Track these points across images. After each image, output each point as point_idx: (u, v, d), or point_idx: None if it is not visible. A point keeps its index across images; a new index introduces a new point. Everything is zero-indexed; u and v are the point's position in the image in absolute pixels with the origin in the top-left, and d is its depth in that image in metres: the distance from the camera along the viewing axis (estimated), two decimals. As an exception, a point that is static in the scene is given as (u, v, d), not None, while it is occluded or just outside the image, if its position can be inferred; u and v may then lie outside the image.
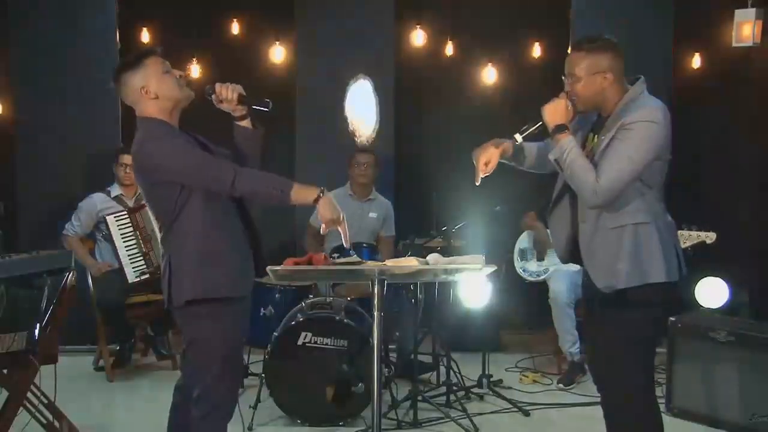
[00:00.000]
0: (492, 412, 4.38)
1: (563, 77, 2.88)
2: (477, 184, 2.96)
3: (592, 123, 2.97)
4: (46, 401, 3.67)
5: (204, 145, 2.90)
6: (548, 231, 4.82)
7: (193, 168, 2.76)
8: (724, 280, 4.60)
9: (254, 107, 2.95)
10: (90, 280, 4.96)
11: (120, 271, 4.89)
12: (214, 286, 2.79)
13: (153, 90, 2.80)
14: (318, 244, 5.05)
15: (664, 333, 4.21)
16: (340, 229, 2.81)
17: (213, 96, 2.91)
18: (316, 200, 2.76)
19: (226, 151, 2.96)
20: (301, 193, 2.77)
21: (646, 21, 5.51)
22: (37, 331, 3.52)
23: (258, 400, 4.17)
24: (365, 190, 5.19)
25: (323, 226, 2.83)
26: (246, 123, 2.99)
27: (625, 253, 2.78)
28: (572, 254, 2.96)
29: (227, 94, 2.89)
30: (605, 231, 2.82)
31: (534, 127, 2.90)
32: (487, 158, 2.93)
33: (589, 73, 2.80)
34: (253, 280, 2.96)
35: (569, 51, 2.90)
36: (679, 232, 3.81)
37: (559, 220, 2.99)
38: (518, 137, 2.92)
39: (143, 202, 4.99)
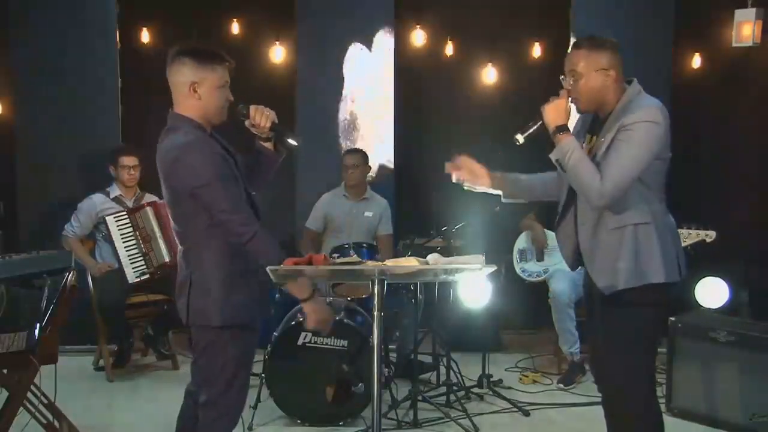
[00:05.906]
0: (492, 412, 4.38)
1: (561, 78, 2.86)
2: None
3: (588, 124, 2.97)
4: (46, 401, 3.67)
5: (227, 152, 2.82)
6: (552, 236, 4.91)
7: (225, 204, 2.66)
8: (724, 280, 4.61)
9: (282, 138, 2.90)
10: (90, 280, 4.95)
11: (120, 271, 4.89)
12: (237, 314, 2.78)
13: (200, 93, 2.72)
14: (314, 248, 5.04)
15: (664, 333, 4.21)
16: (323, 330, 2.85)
17: (247, 120, 2.87)
18: (306, 300, 2.77)
19: (244, 158, 2.93)
20: (295, 287, 2.75)
21: (646, 21, 5.51)
22: (37, 331, 3.52)
23: (258, 400, 4.16)
24: (357, 190, 5.20)
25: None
26: (269, 145, 2.96)
27: (626, 254, 2.78)
28: (579, 261, 2.97)
29: (261, 120, 2.84)
30: (606, 232, 2.82)
31: (535, 127, 2.87)
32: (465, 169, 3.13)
33: (591, 70, 2.78)
34: (268, 305, 2.94)
35: (569, 50, 2.89)
36: (679, 230, 3.80)
37: (565, 230, 2.99)
38: (520, 137, 2.88)
39: (143, 202, 5.01)
